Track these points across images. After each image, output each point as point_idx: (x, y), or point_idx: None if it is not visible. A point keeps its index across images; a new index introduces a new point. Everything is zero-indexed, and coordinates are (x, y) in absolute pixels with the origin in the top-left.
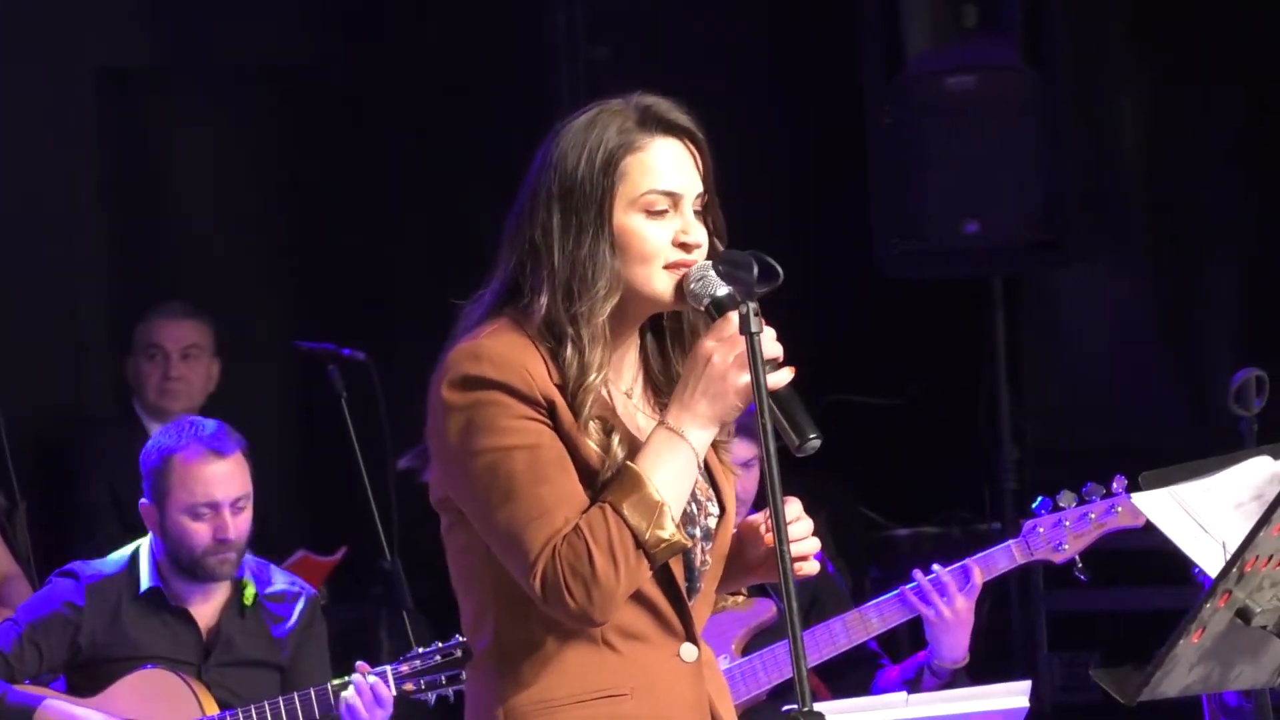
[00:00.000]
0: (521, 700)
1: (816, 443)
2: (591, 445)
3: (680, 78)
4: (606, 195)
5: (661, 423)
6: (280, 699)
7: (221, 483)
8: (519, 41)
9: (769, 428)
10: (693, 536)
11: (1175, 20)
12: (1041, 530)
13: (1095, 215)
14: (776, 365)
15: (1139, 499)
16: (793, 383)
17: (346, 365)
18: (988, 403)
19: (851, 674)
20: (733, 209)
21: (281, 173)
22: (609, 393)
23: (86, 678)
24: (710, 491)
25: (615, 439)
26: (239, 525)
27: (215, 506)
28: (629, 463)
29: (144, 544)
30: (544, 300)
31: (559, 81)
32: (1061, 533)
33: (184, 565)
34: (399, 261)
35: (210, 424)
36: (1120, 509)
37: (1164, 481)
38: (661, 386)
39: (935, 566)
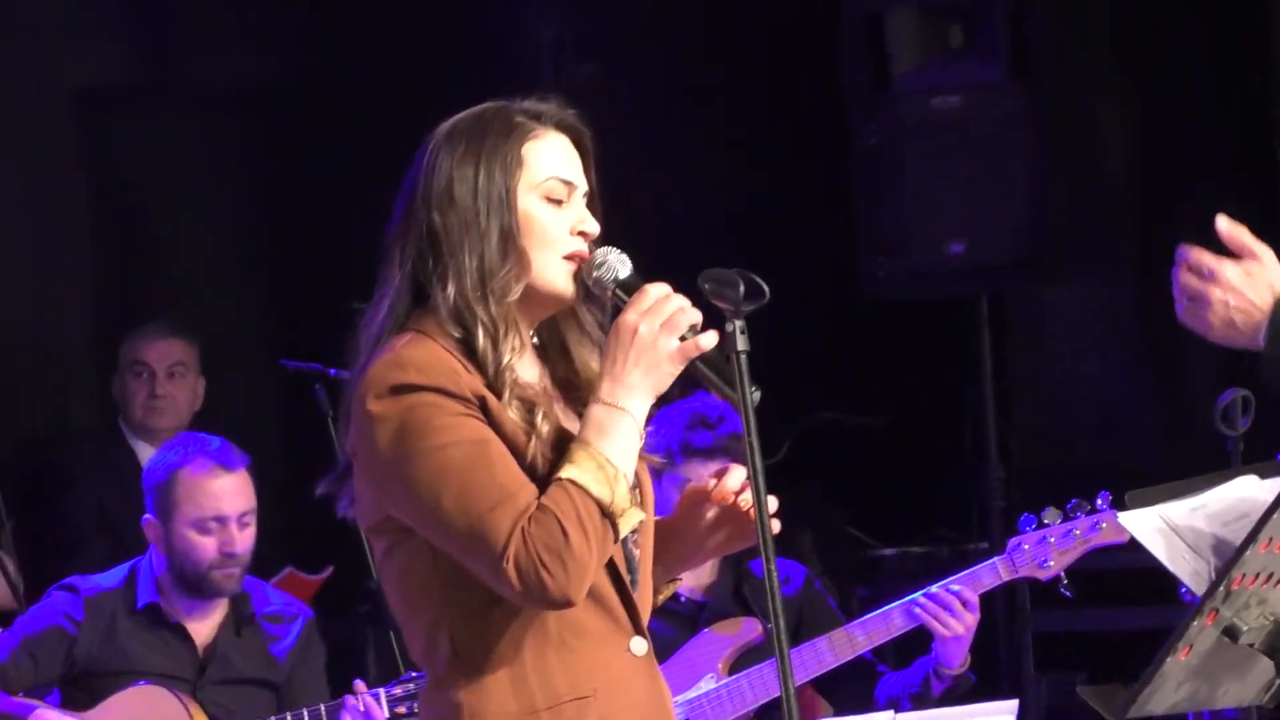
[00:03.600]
0: (491, 712)
1: (757, 395)
2: (521, 435)
3: (664, 95)
4: (510, 179)
5: (597, 400)
6: (274, 719)
7: (229, 497)
8: (505, 60)
9: (755, 444)
10: None
11: (1161, 38)
12: (1026, 547)
13: (1082, 233)
14: (697, 330)
15: (1125, 518)
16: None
17: (333, 385)
18: (974, 422)
19: (850, 685)
20: (717, 226)
21: (266, 191)
22: (528, 382)
23: (81, 691)
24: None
25: (539, 416)
26: (245, 540)
27: (223, 520)
28: (577, 439)
29: (142, 560)
30: (451, 289)
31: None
32: (1046, 549)
33: (189, 580)
34: None
35: (215, 440)
36: (1105, 525)
37: (1149, 500)
38: (570, 385)
39: (934, 587)
